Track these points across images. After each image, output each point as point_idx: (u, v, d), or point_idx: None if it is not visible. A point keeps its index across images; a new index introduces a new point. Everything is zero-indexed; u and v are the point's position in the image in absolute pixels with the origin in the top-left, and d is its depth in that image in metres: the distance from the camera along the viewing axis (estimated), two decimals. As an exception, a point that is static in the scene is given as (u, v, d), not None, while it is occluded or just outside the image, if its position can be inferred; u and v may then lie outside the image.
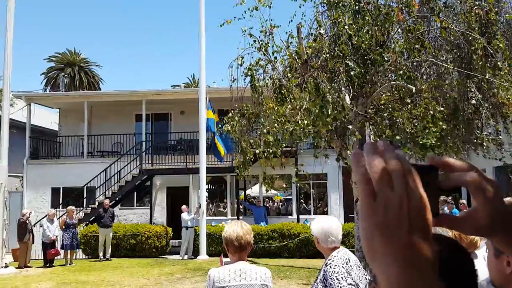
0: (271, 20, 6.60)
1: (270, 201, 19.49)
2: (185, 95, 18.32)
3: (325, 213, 16.07)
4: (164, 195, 17.20)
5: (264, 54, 6.13)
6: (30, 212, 13.38)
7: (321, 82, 5.61)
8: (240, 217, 15.36)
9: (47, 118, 23.30)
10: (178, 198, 16.82)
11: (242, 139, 7.11)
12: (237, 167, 8.56)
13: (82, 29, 77.47)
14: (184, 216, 13.62)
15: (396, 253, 0.44)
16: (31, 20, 68.25)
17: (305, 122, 6.19)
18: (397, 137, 6.92)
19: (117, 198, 15.97)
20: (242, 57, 6.05)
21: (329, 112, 5.94)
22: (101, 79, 40.08)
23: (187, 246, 13.66)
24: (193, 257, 13.46)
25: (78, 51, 38.74)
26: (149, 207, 16.59)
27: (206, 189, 13.97)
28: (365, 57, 6.35)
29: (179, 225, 14.16)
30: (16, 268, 12.11)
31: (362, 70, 6.23)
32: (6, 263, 11.98)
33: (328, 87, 5.66)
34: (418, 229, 0.45)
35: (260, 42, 6.13)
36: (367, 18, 6.53)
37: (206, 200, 14.37)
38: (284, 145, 7.23)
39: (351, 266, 2.78)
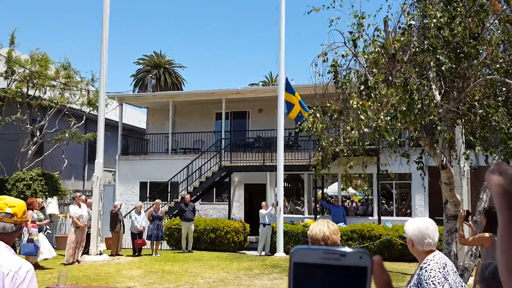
0: (363, 12, 6.40)
1: (348, 201, 19.04)
2: (263, 93, 18.54)
3: (408, 215, 15.36)
4: (242, 192, 17.56)
5: (355, 47, 5.97)
6: (121, 204, 14.40)
7: (410, 77, 5.34)
8: (318, 216, 15.20)
9: (135, 117, 24.97)
10: (255, 195, 17.10)
11: (323, 137, 7.00)
12: (315, 166, 8.45)
13: (167, 32, 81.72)
14: (262, 212, 13.80)
15: None
16: (121, 26, 73.51)
17: (388, 118, 5.93)
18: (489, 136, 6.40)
19: (198, 193, 16.61)
20: (326, 53, 5.95)
21: (417, 109, 5.64)
22: (184, 79, 42.02)
23: (264, 242, 13.82)
24: (270, 254, 13.58)
25: (164, 54, 40.99)
26: (227, 202, 17.04)
27: (283, 186, 14.01)
28: (458, 51, 5.93)
29: (256, 222, 14.39)
30: (108, 255, 13.09)
31: (454, 65, 5.83)
32: (100, 251, 13.02)
33: (417, 83, 5.37)
34: None
35: (352, 35, 5.98)
36: (459, 9, 6.10)
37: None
38: (367, 143, 7.00)
39: (447, 271, 2.62)
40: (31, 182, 14.13)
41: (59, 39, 75.97)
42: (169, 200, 16.87)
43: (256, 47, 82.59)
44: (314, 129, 6.78)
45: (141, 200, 16.59)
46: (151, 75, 30.67)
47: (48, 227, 12.82)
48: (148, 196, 17.36)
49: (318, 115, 6.76)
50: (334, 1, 6.09)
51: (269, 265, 11.47)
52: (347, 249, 0.63)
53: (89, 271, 10.59)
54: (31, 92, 18.05)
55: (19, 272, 2.11)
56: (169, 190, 17.29)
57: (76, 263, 11.74)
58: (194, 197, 16.05)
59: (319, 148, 7.65)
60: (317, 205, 15.88)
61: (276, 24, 13.27)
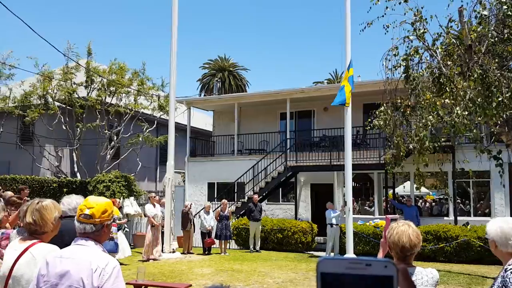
0: (421, 7, 6.16)
1: (421, 201, 18.20)
2: (329, 91, 18.20)
3: (487, 215, 14.39)
4: (308, 192, 17.44)
5: (423, 42, 5.69)
6: (191, 204, 14.94)
7: (489, 69, 4.98)
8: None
9: (202, 119, 25.78)
10: (321, 195, 16.90)
11: (395, 134, 6.72)
12: (388, 163, 8.15)
13: (230, 36, 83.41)
14: (328, 213, 13.59)
15: None
16: (186, 33, 76.16)
17: (466, 113, 5.57)
18: None
19: (264, 194, 16.75)
20: (397, 47, 5.72)
21: (497, 103, 5.26)
22: (248, 81, 42.65)
23: (332, 243, 13.60)
24: (339, 255, 13.35)
25: (228, 57, 41.94)
26: (294, 203, 17.02)
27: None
28: (543, 38, 5.44)
29: (323, 222, 14.21)
30: (181, 253, 13.62)
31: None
32: (173, 249, 13.59)
33: (498, 75, 5.00)
34: None
35: (418, 30, 5.71)
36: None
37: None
38: (442, 139, 6.63)
39: None
40: (110, 183, 15.09)
41: (130, 46, 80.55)
42: (235, 200, 17.19)
43: (321, 44, 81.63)
44: (386, 126, 6.55)
45: (209, 200, 17.06)
46: (216, 79, 31.56)
47: (126, 225, 13.62)
48: (215, 196, 17.81)
49: (389, 111, 6.52)
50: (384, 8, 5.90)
51: (339, 266, 11.26)
52: (372, 259, 0.64)
53: (164, 268, 11.09)
54: (108, 99, 19.30)
55: (106, 269, 2.23)
56: (235, 191, 17.62)
57: (152, 260, 12.34)
58: (260, 197, 16.20)
59: (391, 146, 7.37)
60: (388, 205, 15.35)
61: (342, 19, 12.99)
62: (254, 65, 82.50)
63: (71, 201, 3.35)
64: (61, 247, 2.47)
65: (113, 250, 10.83)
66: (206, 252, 13.93)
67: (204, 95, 35.14)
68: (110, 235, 10.93)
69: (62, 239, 2.71)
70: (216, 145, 19.86)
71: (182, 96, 21.03)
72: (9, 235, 3.55)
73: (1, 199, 6.51)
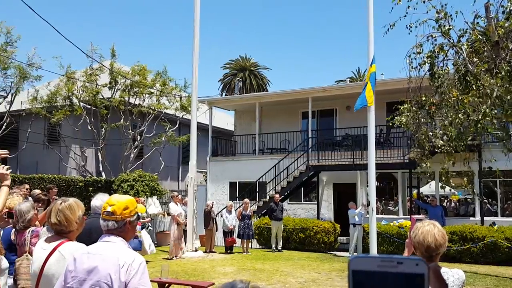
0: (445, 4, 6.05)
1: (446, 201, 17.82)
2: (351, 89, 17.99)
3: (515, 215, 13.98)
4: (331, 191, 17.31)
5: (448, 39, 5.57)
6: (213, 203, 15.06)
7: (517, 65, 4.84)
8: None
9: (223, 119, 25.92)
10: (344, 195, 16.75)
11: (420, 132, 6.60)
12: (415, 163, 7.99)
13: (251, 35, 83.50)
14: (352, 213, 13.47)
15: None
16: (208, 33, 76.66)
17: (494, 112, 5.42)
18: None
19: (286, 193, 16.71)
20: (421, 45, 5.62)
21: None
22: (269, 80, 42.64)
23: (355, 243, 13.47)
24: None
25: (249, 57, 42.04)
26: (316, 202, 16.92)
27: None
28: None
29: (346, 222, 14.09)
30: (203, 252, 13.74)
31: None
32: (196, 247, 13.72)
33: (527, 70, 4.86)
34: None
35: (443, 27, 5.59)
36: None
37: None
38: (469, 138, 6.48)
39: None
40: (133, 183, 15.32)
41: (153, 47, 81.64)
42: (257, 199, 17.19)
43: (343, 43, 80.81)
44: (409, 124, 6.44)
45: (230, 200, 17.12)
46: (237, 78, 31.72)
47: (149, 224, 13.82)
48: (237, 195, 17.87)
49: (414, 109, 6.41)
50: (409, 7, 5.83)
51: (362, 266, 11.14)
52: (403, 257, 0.64)
53: (187, 267, 11.21)
54: (131, 100, 19.62)
55: (132, 265, 2.28)
56: (257, 190, 17.63)
57: (176, 257, 12.48)
58: (282, 196, 16.16)
59: (416, 144, 7.25)
60: (412, 205, 15.09)
61: (364, 17, 12.82)
62: (275, 64, 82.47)
63: (105, 198, 3.45)
64: (88, 245, 2.53)
65: (138, 248, 11.00)
66: (228, 251, 14.01)
67: (226, 95, 35.32)
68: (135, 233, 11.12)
69: (90, 237, 2.78)
70: (238, 145, 19.92)
71: (204, 96, 21.19)
72: (39, 233, 3.66)
73: (30, 197, 6.70)
